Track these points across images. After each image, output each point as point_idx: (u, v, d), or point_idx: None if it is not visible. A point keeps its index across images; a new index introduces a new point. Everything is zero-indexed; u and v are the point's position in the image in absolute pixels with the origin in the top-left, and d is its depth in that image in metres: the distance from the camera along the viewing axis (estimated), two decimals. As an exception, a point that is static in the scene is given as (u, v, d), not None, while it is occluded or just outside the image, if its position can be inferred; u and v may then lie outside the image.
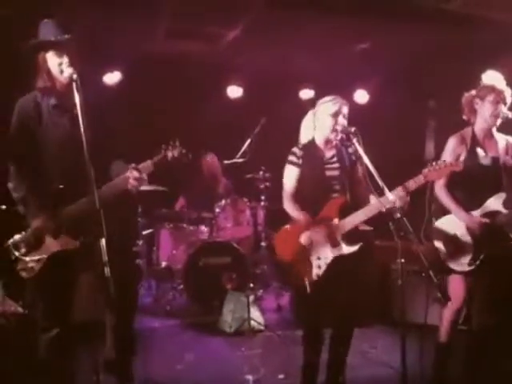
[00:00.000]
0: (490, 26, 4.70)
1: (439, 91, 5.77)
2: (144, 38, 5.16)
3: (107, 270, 2.04)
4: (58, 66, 2.40)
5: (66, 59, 2.38)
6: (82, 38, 2.41)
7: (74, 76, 2.29)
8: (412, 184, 2.71)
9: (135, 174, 2.40)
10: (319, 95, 6.90)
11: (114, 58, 5.37)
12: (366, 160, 2.69)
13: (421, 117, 6.18)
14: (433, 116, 6.11)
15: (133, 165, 2.42)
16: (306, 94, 6.58)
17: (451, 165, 2.72)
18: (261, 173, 5.23)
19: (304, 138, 3.08)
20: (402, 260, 2.50)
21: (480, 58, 4.56)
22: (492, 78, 3.22)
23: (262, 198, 5.27)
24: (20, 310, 3.40)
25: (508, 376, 3.06)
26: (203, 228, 5.24)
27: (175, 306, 4.88)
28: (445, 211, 3.12)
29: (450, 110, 3.66)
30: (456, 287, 3.00)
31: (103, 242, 2.08)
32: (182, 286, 4.90)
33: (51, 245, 2.44)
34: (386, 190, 2.60)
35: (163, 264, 5.24)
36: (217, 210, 5.15)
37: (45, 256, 2.43)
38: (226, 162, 5.58)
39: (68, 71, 2.35)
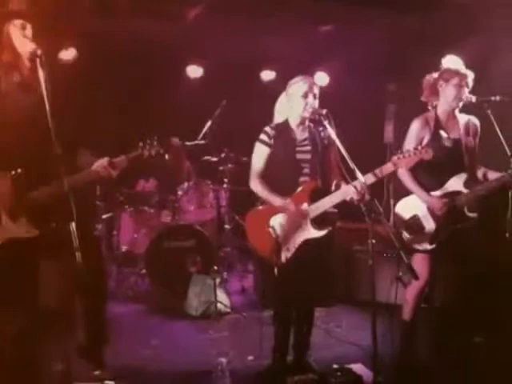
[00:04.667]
0: (449, 9, 4.79)
1: (399, 75, 5.86)
2: (102, 14, 4.95)
3: (78, 256, 1.96)
4: (22, 39, 2.25)
5: (29, 32, 2.24)
6: (45, 10, 2.27)
7: (39, 52, 2.16)
8: (383, 171, 2.73)
9: (109, 168, 2.33)
10: (280, 76, 6.90)
11: (70, 34, 5.12)
12: (337, 143, 2.70)
13: (380, 100, 6.27)
14: (392, 100, 6.22)
15: (106, 158, 2.34)
16: (267, 75, 6.54)
17: (420, 153, 2.73)
18: (223, 154, 5.17)
19: (278, 118, 3.05)
20: (373, 241, 2.54)
21: (439, 42, 4.66)
22: (452, 62, 3.29)
23: (225, 180, 5.22)
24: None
25: (470, 350, 3.19)
26: (165, 211, 5.14)
27: (138, 291, 4.80)
28: (405, 192, 3.19)
29: (409, 94, 3.73)
30: (419, 266, 3.07)
31: (73, 226, 1.99)
32: (144, 271, 4.81)
33: (9, 229, 2.31)
34: (358, 172, 2.62)
35: (124, 248, 5.12)
36: (179, 192, 5.07)
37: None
38: (187, 143, 5.47)
39: (31, 46, 2.22)
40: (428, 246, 3.07)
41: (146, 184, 5.52)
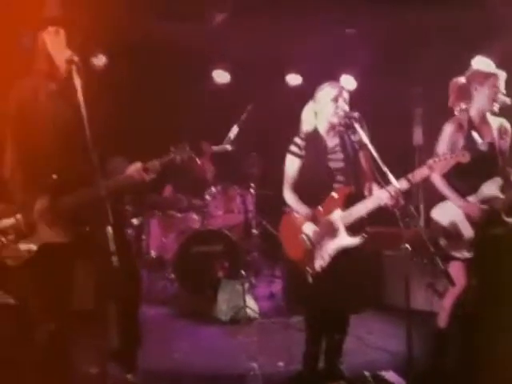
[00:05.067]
0: (478, 11, 4.71)
1: (426, 78, 5.77)
2: (130, 20, 5.01)
3: (115, 260, 1.97)
4: (57, 46, 2.29)
5: (63, 38, 2.27)
6: (79, 16, 2.30)
7: (75, 58, 2.19)
8: (417, 175, 2.67)
9: (142, 173, 2.35)
10: (306, 80, 6.85)
11: (100, 41, 5.21)
12: (370, 148, 2.65)
13: (408, 103, 6.18)
14: (419, 103, 6.13)
15: (140, 163, 2.36)
16: (294, 78, 6.51)
17: (457, 156, 2.67)
18: (250, 159, 5.17)
19: (306, 126, 3.01)
20: (407, 246, 2.49)
21: (466, 42, 4.58)
22: (482, 63, 3.21)
23: (252, 184, 5.22)
24: (11, 301, 3.29)
25: (505, 360, 3.11)
26: (194, 216, 5.17)
27: (167, 296, 4.83)
28: (440, 198, 3.13)
29: (437, 97, 3.67)
30: (456, 274, 3.00)
31: (109, 230, 2.01)
32: (172, 275, 4.84)
33: (44, 235, 2.35)
34: (392, 177, 2.57)
35: (153, 253, 5.16)
36: (207, 197, 5.09)
37: (35, 246, 2.34)
38: (213, 148, 5.49)
39: (67, 53, 2.25)
40: (466, 253, 2.99)
41: (170, 189, 5.53)
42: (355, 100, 2.99)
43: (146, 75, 5.61)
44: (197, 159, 2.50)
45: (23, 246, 2.36)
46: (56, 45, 2.30)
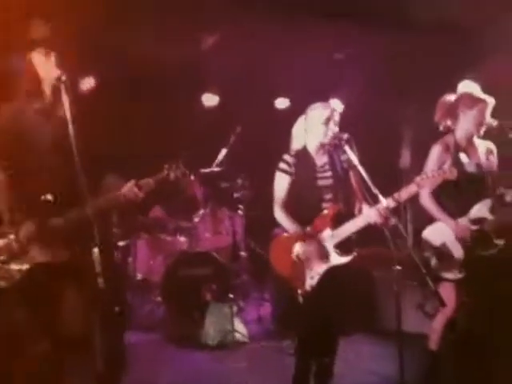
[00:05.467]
0: (464, 31, 4.81)
1: (415, 100, 5.85)
2: (119, 42, 5.04)
3: (101, 282, 1.92)
4: (46, 66, 2.27)
5: (53, 59, 2.26)
6: (70, 38, 2.29)
7: (63, 77, 2.17)
8: (404, 194, 2.67)
9: (136, 190, 2.31)
10: (294, 104, 6.91)
11: (88, 63, 5.21)
12: (359, 167, 2.66)
13: (396, 125, 6.26)
14: (408, 124, 6.20)
15: (133, 181, 2.33)
16: (282, 103, 6.57)
17: (445, 172, 2.68)
18: (239, 181, 5.16)
19: (295, 144, 3.03)
20: (398, 267, 2.47)
21: (456, 66, 4.66)
22: (468, 87, 3.25)
23: (240, 206, 5.20)
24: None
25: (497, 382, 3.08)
26: (181, 238, 5.11)
27: (153, 320, 4.72)
28: (430, 219, 3.13)
29: (425, 118, 3.71)
30: (447, 295, 2.97)
31: (96, 251, 1.96)
32: (159, 299, 4.75)
33: (36, 255, 2.29)
34: (381, 197, 2.58)
35: (139, 276, 5.08)
36: (195, 219, 5.04)
37: (27, 266, 2.28)
38: (202, 170, 5.48)
39: (56, 72, 2.23)
40: (457, 274, 2.98)
41: (158, 210, 5.48)
42: (342, 122, 3.02)
43: (135, 97, 5.60)
44: (191, 176, 2.46)
45: (14, 267, 2.30)
46: (44, 65, 2.28)
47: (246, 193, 5.15)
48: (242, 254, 5.19)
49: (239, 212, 5.22)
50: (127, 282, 5.09)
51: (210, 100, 6.38)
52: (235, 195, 5.17)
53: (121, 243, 5.03)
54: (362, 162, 2.68)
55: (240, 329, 4.18)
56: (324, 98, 6.11)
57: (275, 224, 2.98)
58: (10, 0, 3.25)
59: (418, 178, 2.66)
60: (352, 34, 5.19)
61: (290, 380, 3.01)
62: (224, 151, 5.42)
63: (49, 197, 2.24)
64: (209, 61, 5.63)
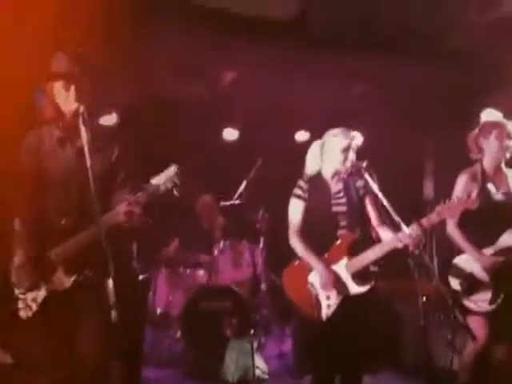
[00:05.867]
0: (486, 65, 4.78)
1: (436, 132, 5.79)
2: (140, 80, 5.15)
3: (114, 315, 1.87)
4: (65, 98, 2.31)
5: (73, 92, 2.29)
6: (92, 72, 2.33)
7: (81, 109, 2.20)
8: (425, 222, 2.61)
9: (127, 206, 2.26)
10: (314, 137, 6.93)
11: (112, 98, 5.32)
12: (380, 195, 2.61)
13: (418, 158, 6.18)
14: (431, 156, 6.12)
15: (126, 196, 2.29)
16: (302, 135, 6.57)
17: (466, 202, 2.63)
18: (259, 213, 5.12)
19: (310, 169, 2.99)
20: (424, 299, 2.37)
21: (477, 97, 4.61)
22: (491, 115, 3.22)
23: (261, 239, 5.14)
24: (9, 359, 3.15)
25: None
26: (201, 272, 5.05)
27: (173, 355, 4.61)
28: (457, 251, 3.03)
29: (448, 149, 3.65)
30: (476, 329, 2.85)
31: (110, 281, 1.92)
32: (179, 334, 4.65)
33: (59, 282, 2.27)
34: (403, 225, 2.51)
35: (159, 310, 5.00)
36: (215, 252, 4.99)
37: (42, 295, 2.25)
38: (222, 203, 5.47)
39: (75, 104, 2.27)
40: (487, 307, 2.85)
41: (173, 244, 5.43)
42: (363, 154, 2.98)
43: (156, 131, 5.68)
44: (182, 189, 2.35)
45: (30, 296, 2.28)
46: (64, 97, 2.32)
47: (267, 225, 5.09)
48: (263, 287, 5.08)
49: (260, 244, 5.15)
50: (147, 317, 5.03)
51: (230, 134, 6.43)
52: (255, 227, 5.13)
53: (140, 277, 5.00)
54: (384, 194, 2.63)
55: (260, 365, 4.05)
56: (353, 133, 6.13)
57: (296, 256, 2.91)
58: (34, 32, 3.38)
59: (438, 207, 2.61)
60: (372, 66, 5.21)
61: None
62: (244, 183, 5.42)
63: (64, 222, 2.23)
64: (229, 96, 5.70)
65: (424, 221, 2.61)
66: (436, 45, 4.68)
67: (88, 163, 2.10)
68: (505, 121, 3.10)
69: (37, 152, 2.36)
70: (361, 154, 2.96)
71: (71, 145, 2.35)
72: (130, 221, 2.26)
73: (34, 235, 2.31)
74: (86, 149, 2.12)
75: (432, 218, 2.62)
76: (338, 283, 2.72)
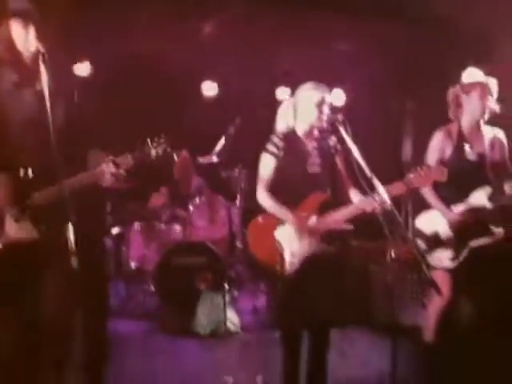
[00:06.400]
0: (469, 26, 4.71)
1: (417, 91, 5.74)
2: (118, 29, 4.95)
3: (74, 261, 1.83)
4: (24, 37, 2.18)
5: (32, 32, 2.16)
6: (55, 13, 2.20)
7: (41, 49, 2.08)
8: (393, 190, 2.55)
9: (112, 168, 2.20)
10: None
11: (85, 49, 5.13)
12: (354, 150, 2.56)
13: (398, 118, 6.14)
14: (410, 117, 6.08)
15: (110, 157, 2.22)
16: (283, 92, 6.46)
17: (436, 173, 2.59)
18: (236, 171, 5.06)
19: (282, 126, 2.90)
20: (392, 254, 2.38)
21: (459, 59, 4.55)
22: (472, 75, 3.17)
23: (238, 197, 5.11)
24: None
25: (497, 376, 2.98)
26: (176, 227, 5.02)
27: (146, 309, 4.64)
28: (423, 208, 3.05)
29: (428, 111, 3.62)
30: (440, 284, 2.87)
31: (70, 229, 1.87)
32: (153, 288, 4.67)
33: (12, 232, 2.20)
34: (376, 180, 2.46)
35: (133, 265, 4.99)
36: (191, 208, 4.95)
37: (1, 242, 2.19)
38: (200, 159, 5.40)
39: (34, 45, 2.14)
40: (450, 263, 2.89)
41: (157, 198, 5.37)
42: (344, 114, 2.91)
43: (132, 87, 5.52)
44: (174, 155, 2.33)
45: None
46: (22, 35, 2.18)
47: (244, 183, 5.05)
48: (238, 244, 5.10)
49: (236, 202, 5.12)
50: (120, 271, 5.03)
51: (209, 89, 6.28)
52: (232, 185, 5.09)
53: (114, 231, 4.96)
54: (363, 154, 2.58)
55: (233, 318, 4.09)
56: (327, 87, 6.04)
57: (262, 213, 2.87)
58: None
59: (410, 176, 2.57)
60: (354, 24, 5.09)
61: (279, 371, 2.93)
62: (222, 140, 5.33)
63: (29, 172, 2.14)
64: (207, 49, 5.53)
65: (392, 188, 2.55)
66: (419, 7, 4.59)
67: (48, 109, 1.99)
68: (486, 79, 3.05)
69: None
70: (340, 112, 2.89)
71: (30, 89, 2.23)
72: (114, 183, 2.21)
73: None
74: (46, 93, 2.01)
75: (401, 187, 2.56)
76: (304, 240, 2.70)
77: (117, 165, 2.18)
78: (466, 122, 3.06)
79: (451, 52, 4.93)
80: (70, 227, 1.88)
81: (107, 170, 2.17)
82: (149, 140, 2.25)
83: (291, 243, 2.71)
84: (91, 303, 2.07)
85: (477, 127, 3.06)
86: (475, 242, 2.88)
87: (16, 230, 2.21)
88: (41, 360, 2.26)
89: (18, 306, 2.24)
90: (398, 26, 5.05)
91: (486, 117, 3.04)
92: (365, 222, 2.72)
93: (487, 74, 3.15)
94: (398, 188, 2.57)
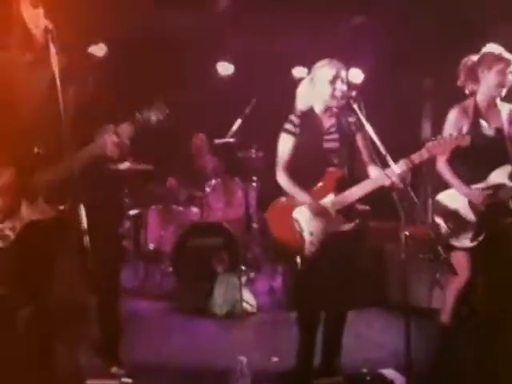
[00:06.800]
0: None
1: (436, 69, 5.59)
2: (131, 9, 4.91)
3: (86, 240, 1.84)
4: (33, 18, 2.17)
5: (41, 10, 2.15)
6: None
7: (50, 26, 2.08)
8: (415, 158, 2.53)
9: (114, 137, 2.18)
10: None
11: (100, 30, 5.10)
12: (367, 127, 2.51)
13: (417, 96, 6.01)
14: (429, 95, 5.95)
15: (111, 127, 2.20)
16: (300, 71, 6.35)
17: (457, 139, 2.53)
18: (253, 151, 5.03)
19: (300, 104, 2.87)
20: (406, 233, 2.33)
21: (478, 33, 4.40)
22: (494, 49, 3.05)
23: (254, 178, 5.09)
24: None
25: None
26: (193, 208, 5.04)
27: (163, 289, 4.69)
28: (445, 186, 2.97)
29: (447, 89, 3.51)
30: (459, 265, 2.82)
31: (82, 208, 1.87)
32: (170, 269, 4.71)
33: (28, 212, 2.22)
34: (390, 160, 2.42)
35: (151, 246, 5.04)
36: (207, 189, 4.96)
37: (19, 224, 2.21)
38: (216, 141, 5.38)
39: (43, 22, 2.13)
40: (469, 243, 2.82)
41: (173, 181, 5.38)
42: (361, 91, 2.84)
43: (147, 65, 5.50)
44: (172, 117, 2.27)
45: (7, 225, 2.23)
46: (32, 16, 2.18)
47: (260, 164, 5.02)
48: (255, 226, 5.09)
49: (253, 184, 5.11)
50: (138, 252, 5.08)
51: (225, 69, 6.23)
52: (249, 166, 5.06)
53: (131, 213, 5.00)
54: (381, 134, 2.53)
55: (249, 299, 4.11)
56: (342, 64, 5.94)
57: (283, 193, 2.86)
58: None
59: (429, 144, 2.52)
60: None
61: (294, 350, 2.94)
62: (239, 121, 5.30)
63: (36, 150, 2.15)
64: (222, 26, 5.47)
65: (414, 157, 2.53)
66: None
67: (59, 88, 1.98)
68: (508, 54, 2.92)
69: (8, 74, 2.23)
70: (356, 90, 2.82)
71: (43, 69, 2.23)
72: (116, 152, 2.19)
73: (8, 161, 2.22)
74: (56, 71, 2.01)
75: (422, 155, 2.53)
76: (325, 216, 2.68)
77: (118, 134, 2.16)
78: (482, 97, 2.95)
79: (471, 28, 4.77)
80: (82, 207, 1.87)
81: (109, 140, 2.16)
82: (147, 107, 2.22)
83: (309, 223, 2.69)
84: (103, 283, 2.07)
85: (493, 104, 2.96)
86: (495, 221, 2.80)
87: (32, 211, 2.22)
88: (55, 337, 2.30)
89: (34, 284, 2.26)
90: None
91: (504, 93, 2.93)
92: (381, 202, 2.68)
93: (508, 49, 3.03)
94: (420, 156, 2.52)
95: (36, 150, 2.19)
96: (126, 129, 2.19)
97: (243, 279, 4.13)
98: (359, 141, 2.78)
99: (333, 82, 2.72)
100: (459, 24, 4.95)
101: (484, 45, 3.10)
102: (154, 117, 2.20)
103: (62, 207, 2.19)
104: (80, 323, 2.45)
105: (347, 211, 2.70)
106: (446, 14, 4.94)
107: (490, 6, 4.51)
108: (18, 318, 2.35)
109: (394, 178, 2.42)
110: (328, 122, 2.81)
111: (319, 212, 2.67)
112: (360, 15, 5.44)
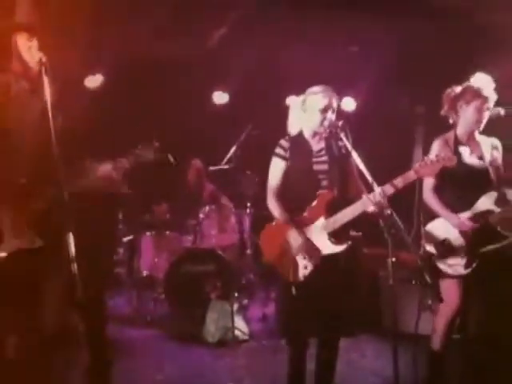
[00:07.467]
0: (481, 27, 4.66)
1: (428, 97, 5.69)
2: (128, 39, 5.03)
3: (74, 267, 1.86)
4: (28, 50, 2.25)
5: (35, 43, 2.23)
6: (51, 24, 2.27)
7: (43, 59, 2.15)
8: (400, 181, 2.55)
9: (108, 172, 2.23)
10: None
11: (97, 60, 5.21)
12: (354, 155, 2.56)
13: (409, 123, 6.10)
14: (421, 122, 6.04)
15: (109, 164, 2.26)
16: (293, 100, 6.44)
17: (444, 159, 2.56)
18: (247, 178, 5.08)
19: (292, 128, 2.93)
20: (393, 259, 2.36)
21: (469, 61, 4.50)
22: (481, 80, 3.11)
23: (248, 204, 5.13)
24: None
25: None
26: (186, 235, 5.05)
27: (156, 316, 4.67)
28: (434, 215, 3.00)
29: (438, 116, 3.57)
30: (449, 292, 2.83)
31: (70, 236, 1.90)
32: (163, 296, 4.70)
33: (12, 242, 2.24)
34: (375, 185, 2.47)
35: (144, 273, 5.03)
36: (201, 216, 4.98)
37: (4, 254, 2.23)
38: (211, 168, 5.44)
39: (37, 55, 2.21)
40: (463, 271, 2.84)
41: (159, 208, 5.41)
42: (356, 121, 2.89)
43: (144, 96, 5.60)
44: (170, 157, 2.35)
45: None
46: (28, 47, 2.26)
47: (254, 190, 5.07)
48: (248, 252, 5.10)
49: (246, 210, 5.14)
50: (132, 279, 5.07)
51: (220, 98, 6.34)
52: (243, 192, 5.11)
53: (125, 239, 5.01)
54: (371, 161, 2.56)
55: (241, 326, 4.09)
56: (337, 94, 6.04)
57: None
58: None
59: (416, 165, 2.56)
60: (364, 25, 5.06)
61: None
62: (234, 148, 5.37)
63: (24, 180, 2.19)
64: (217, 56, 5.58)
65: (398, 180, 2.55)
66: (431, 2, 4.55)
67: (50, 118, 2.04)
68: (489, 91, 2.96)
69: (2, 97, 2.29)
70: (352, 118, 2.89)
71: (37, 98, 2.28)
72: (108, 186, 2.24)
73: None
74: (48, 102, 2.06)
75: (408, 176, 2.55)
76: (311, 249, 2.70)
77: (113, 168, 2.21)
78: (461, 130, 3.02)
79: (462, 55, 4.88)
80: (70, 235, 1.90)
81: (103, 175, 2.21)
82: (140, 146, 2.28)
83: (303, 247, 2.71)
84: (91, 309, 2.08)
85: (472, 136, 3.02)
86: (486, 248, 2.82)
87: (17, 239, 2.24)
88: (44, 364, 2.29)
89: (22, 312, 2.27)
90: (406, 25, 5.00)
91: (482, 127, 2.99)
92: (373, 228, 2.70)
93: (495, 79, 3.10)
94: (407, 178, 2.54)
95: (23, 180, 2.22)
96: (120, 164, 2.25)
97: (236, 306, 4.10)
98: (349, 164, 2.81)
99: (323, 111, 2.77)
100: (449, 53, 5.07)
101: (473, 74, 3.18)
102: (143, 157, 2.27)
103: (48, 236, 2.21)
104: (70, 349, 2.44)
105: (339, 233, 2.71)
106: (438, 44, 5.06)
107: (480, 35, 4.62)
108: (7, 344, 2.35)
109: (373, 204, 2.46)
110: (317, 146, 2.86)
111: (306, 249, 2.69)
112: (354, 45, 5.55)
